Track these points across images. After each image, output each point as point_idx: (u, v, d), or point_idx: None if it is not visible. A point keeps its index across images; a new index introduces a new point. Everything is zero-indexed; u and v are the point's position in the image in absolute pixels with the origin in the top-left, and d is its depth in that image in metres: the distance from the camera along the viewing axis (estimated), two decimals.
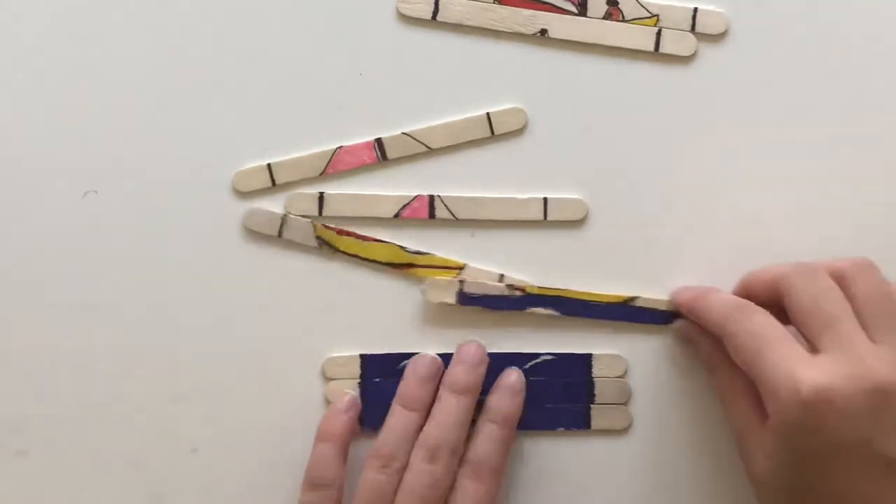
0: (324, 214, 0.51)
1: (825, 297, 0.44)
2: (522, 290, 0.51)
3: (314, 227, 0.50)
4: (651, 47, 0.51)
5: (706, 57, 0.51)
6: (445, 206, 0.51)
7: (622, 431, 0.51)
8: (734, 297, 0.48)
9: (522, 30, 0.51)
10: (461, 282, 0.50)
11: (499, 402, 0.49)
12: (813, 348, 0.44)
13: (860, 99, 0.51)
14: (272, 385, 0.51)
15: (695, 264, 0.51)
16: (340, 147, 0.51)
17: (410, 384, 0.50)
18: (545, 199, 0.51)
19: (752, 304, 0.46)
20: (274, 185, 0.51)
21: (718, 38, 0.51)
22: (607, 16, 0.51)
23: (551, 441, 0.51)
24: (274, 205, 0.51)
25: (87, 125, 0.50)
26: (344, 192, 0.51)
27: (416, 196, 0.51)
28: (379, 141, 0.51)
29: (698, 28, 0.51)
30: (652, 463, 0.51)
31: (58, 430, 0.50)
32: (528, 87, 0.51)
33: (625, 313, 0.51)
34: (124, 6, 0.50)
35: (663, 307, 0.51)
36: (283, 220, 0.50)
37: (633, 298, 0.51)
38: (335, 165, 0.51)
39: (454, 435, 0.48)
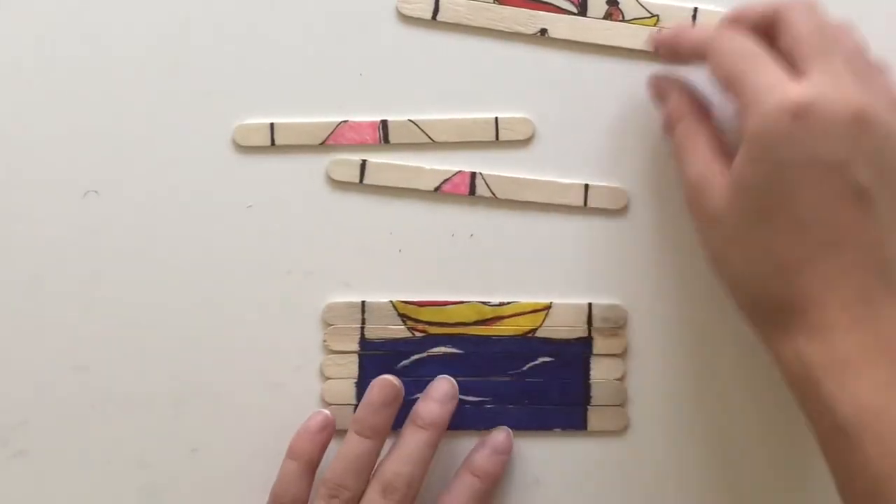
0: (364, 182, 0.51)
1: (826, 28, 0.44)
2: (424, 331, 0.51)
3: (395, 306, 0.50)
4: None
5: None
6: (486, 184, 0.51)
7: (619, 433, 0.51)
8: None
9: (522, 30, 0.51)
10: (362, 328, 0.50)
11: (482, 459, 0.49)
12: (800, 74, 0.43)
13: None
14: (272, 385, 0.51)
15: (701, 263, 0.51)
16: (345, 121, 0.51)
17: (366, 410, 0.48)
18: (586, 186, 0.51)
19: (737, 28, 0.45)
20: (273, 146, 0.50)
21: None
22: (607, 16, 0.51)
23: (548, 442, 0.51)
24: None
25: (89, 121, 0.50)
26: (388, 161, 0.51)
27: (457, 172, 0.51)
28: (384, 122, 0.51)
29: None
30: (649, 464, 0.51)
31: (58, 430, 0.51)
32: (528, 87, 0.51)
33: (525, 347, 0.51)
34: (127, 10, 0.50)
35: (566, 335, 0.51)
36: (363, 307, 0.50)
37: (532, 330, 0.51)
38: (336, 138, 0.51)
39: (411, 469, 0.47)
